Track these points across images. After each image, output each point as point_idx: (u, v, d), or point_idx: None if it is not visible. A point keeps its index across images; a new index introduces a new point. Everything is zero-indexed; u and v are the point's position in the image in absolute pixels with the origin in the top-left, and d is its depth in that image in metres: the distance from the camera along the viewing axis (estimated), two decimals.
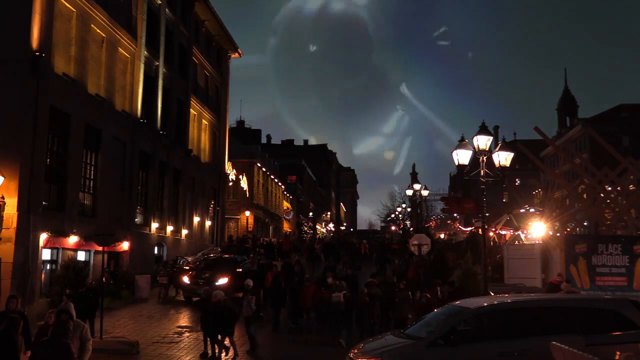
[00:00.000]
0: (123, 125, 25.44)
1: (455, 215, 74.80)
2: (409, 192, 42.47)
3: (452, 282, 19.02)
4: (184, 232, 32.93)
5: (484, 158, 16.05)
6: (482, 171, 16.05)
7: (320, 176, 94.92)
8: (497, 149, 16.75)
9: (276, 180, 64.76)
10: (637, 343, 8.74)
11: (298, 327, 18.03)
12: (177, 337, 16.27)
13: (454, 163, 17.34)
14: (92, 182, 23.01)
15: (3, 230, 16.96)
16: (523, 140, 51.35)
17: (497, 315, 9.91)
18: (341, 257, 33.76)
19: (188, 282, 22.41)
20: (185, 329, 17.38)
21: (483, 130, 16.07)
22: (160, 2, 30.05)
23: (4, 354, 7.93)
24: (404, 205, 64.29)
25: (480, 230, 19.36)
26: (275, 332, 17.27)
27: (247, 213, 51.15)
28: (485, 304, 10.39)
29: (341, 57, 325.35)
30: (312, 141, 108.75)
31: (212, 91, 39.94)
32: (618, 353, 7.51)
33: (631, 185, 24.98)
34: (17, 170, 17.78)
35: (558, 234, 21.47)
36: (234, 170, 45.50)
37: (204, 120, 37.88)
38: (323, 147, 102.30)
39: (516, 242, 25.58)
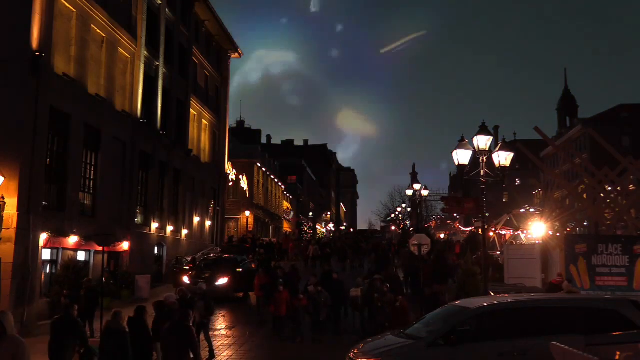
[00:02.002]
0: (123, 125, 25.43)
1: (455, 215, 74.80)
2: (409, 192, 42.49)
3: (431, 286, 19.00)
4: (184, 232, 32.93)
5: (484, 158, 16.03)
6: (482, 171, 16.04)
7: (320, 176, 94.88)
8: (497, 149, 16.74)
9: (276, 180, 64.75)
10: (637, 343, 8.74)
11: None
12: None
13: (454, 163, 17.33)
14: (92, 182, 22.99)
15: (3, 230, 16.94)
16: (523, 140, 51.35)
17: (497, 315, 9.91)
18: (348, 257, 33.79)
19: (188, 282, 22.41)
20: None
21: (483, 130, 16.06)
22: (160, 2, 30.04)
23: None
24: (404, 205, 64.33)
25: (480, 230, 19.35)
26: (274, 333, 17.21)
27: (247, 213, 51.14)
28: (485, 304, 10.39)
29: None
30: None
31: (212, 91, 39.95)
32: (618, 353, 7.50)
33: (631, 185, 24.97)
34: (17, 170, 17.76)
35: (558, 234, 21.47)
36: (234, 170, 45.50)
37: (204, 120, 37.88)
38: (323, 147, 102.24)
39: (517, 242, 25.61)
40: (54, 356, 10.19)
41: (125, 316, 11.87)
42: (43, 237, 18.70)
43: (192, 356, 9.53)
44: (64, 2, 20.86)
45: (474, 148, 16.21)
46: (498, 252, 26.76)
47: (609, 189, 23.30)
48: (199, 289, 15.89)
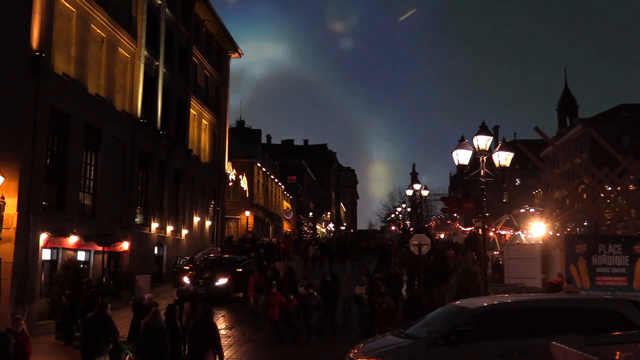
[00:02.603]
0: (123, 125, 25.42)
1: (455, 215, 74.80)
2: (409, 192, 42.43)
3: (414, 289, 18.91)
4: (184, 232, 32.92)
5: (484, 158, 16.02)
6: (482, 171, 16.03)
7: (320, 176, 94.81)
8: (497, 149, 16.73)
9: (276, 180, 64.73)
10: (637, 343, 8.73)
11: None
12: None
13: (454, 163, 17.31)
14: (92, 182, 22.99)
15: (3, 230, 16.95)
16: (523, 140, 51.30)
17: (497, 315, 9.91)
18: (349, 256, 33.75)
19: (188, 282, 22.43)
20: None
21: (483, 130, 16.04)
22: (160, 2, 30.04)
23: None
24: (404, 205, 64.29)
25: (480, 230, 19.35)
26: (274, 334, 17.11)
27: (247, 213, 51.13)
28: (485, 304, 10.38)
29: None
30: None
31: (212, 91, 39.93)
32: (618, 353, 7.49)
33: (631, 185, 24.96)
34: (17, 170, 17.76)
35: (558, 234, 21.47)
36: (234, 170, 45.48)
37: (204, 120, 37.87)
38: (323, 147, 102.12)
39: (517, 242, 25.58)
40: (89, 352, 10.82)
41: (125, 316, 12.06)
42: (43, 237, 18.70)
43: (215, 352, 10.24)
44: (64, 2, 20.86)
45: (474, 148, 16.20)
46: (495, 252, 26.69)
47: (609, 189, 23.31)
48: (187, 290, 15.80)
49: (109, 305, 12.12)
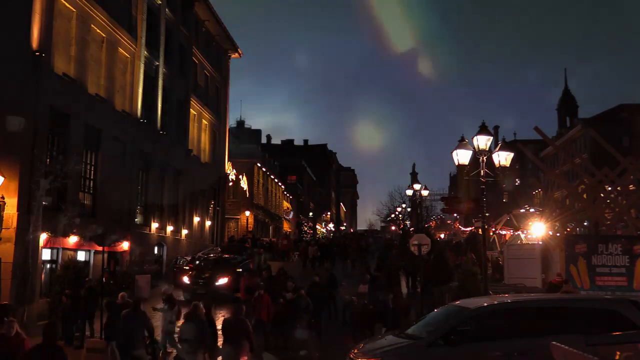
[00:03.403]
0: (123, 125, 25.42)
1: (455, 215, 74.69)
2: (409, 192, 42.41)
3: (394, 289, 18.90)
4: (184, 232, 32.92)
5: (484, 158, 16.02)
6: (482, 171, 16.03)
7: (320, 176, 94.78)
8: (497, 149, 16.73)
9: (276, 180, 64.73)
10: (637, 343, 8.73)
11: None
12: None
13: (454, 163, 17.31)
14: (92, 182, 22.99)
15: (3, 230, 16.95)
16: (523, 140, 51.39)
17: (497, 315, 9.91)
18: (349, 256, 33.79)
19: (188, 282, 22.42)
20: None
21: (483, 130, 16.04)
22: (160, 2, 30.03)
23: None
24: (404, 205, 64.23)
25: (480, 230, 19.35)
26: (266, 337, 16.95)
27: (247, 213, 51.12)
28: (485, 304, 10.38)
29: None
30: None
31: (212, 91, 39.92)
32: (618, 353, 7.49)
33: (631, 185, 24.99)
34: (17, 170, 17.76)
35: (558, 234, 21.49)
36: (234, 170, 45.46)
37: (204, 120, 37.86)
38: (323, 147, 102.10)
39: (518, 242, 25.59)
40: (125, 347, 11.48)
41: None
42: (43, 237, 18.69)
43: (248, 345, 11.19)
44: (64, 2, 20.86)
45: (474, 148, 16.20)
46: (492, 253, 26.67)
47: (609, 189, 23.33)
48: (165, 292, 15.69)
49: (141, 302, 12.80)
